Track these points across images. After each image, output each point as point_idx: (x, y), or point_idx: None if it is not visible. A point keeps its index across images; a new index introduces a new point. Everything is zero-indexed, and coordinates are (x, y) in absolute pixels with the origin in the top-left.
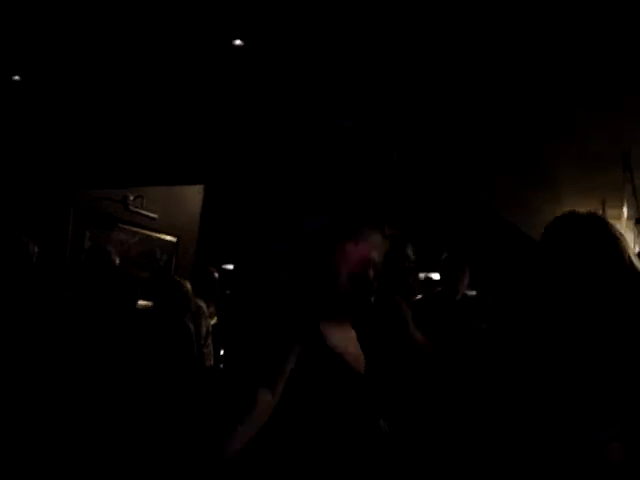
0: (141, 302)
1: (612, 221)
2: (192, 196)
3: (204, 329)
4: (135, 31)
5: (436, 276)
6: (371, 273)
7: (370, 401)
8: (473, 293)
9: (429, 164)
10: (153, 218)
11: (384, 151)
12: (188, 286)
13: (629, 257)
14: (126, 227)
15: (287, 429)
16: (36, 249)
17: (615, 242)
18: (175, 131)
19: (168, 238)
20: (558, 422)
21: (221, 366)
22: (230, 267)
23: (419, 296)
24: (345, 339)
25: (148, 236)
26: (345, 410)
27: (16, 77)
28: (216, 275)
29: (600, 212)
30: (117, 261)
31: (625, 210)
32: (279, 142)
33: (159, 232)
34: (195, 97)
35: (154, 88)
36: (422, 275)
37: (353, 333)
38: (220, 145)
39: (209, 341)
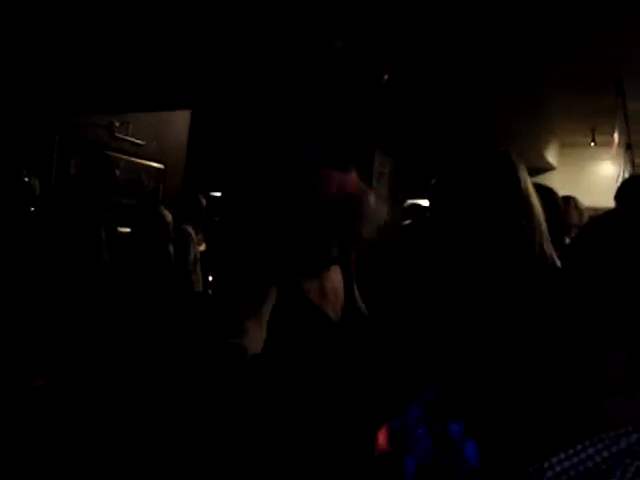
0: (122, 229)
1: (603, 148)
2: (179, 122)
3: (192, 255)
4: None
5: (425, 203)
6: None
7: (346, 348)
8: None
9: (421, 89)
10: (139, 145)
11: (374, 74)
12: (167, 213)
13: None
14: (112, 154)
15: (269, 376)
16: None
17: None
18: (161, 55)
19: (155, 165)
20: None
21: (209, 292)
22: (218, 194)
23: (408, 221)
24: (324, 285)
25: (134, 163)
26: (322, 357)
27: None
28: (204, 202)
29: (590, 141)
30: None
31: (616, 136)
32: (267, 65)
33: (146, 159)
34: (180, 19)
35: (140, 10)
36: (410, 202)
37: (337, 278)
38: (207, 69)
39: (197, 267)
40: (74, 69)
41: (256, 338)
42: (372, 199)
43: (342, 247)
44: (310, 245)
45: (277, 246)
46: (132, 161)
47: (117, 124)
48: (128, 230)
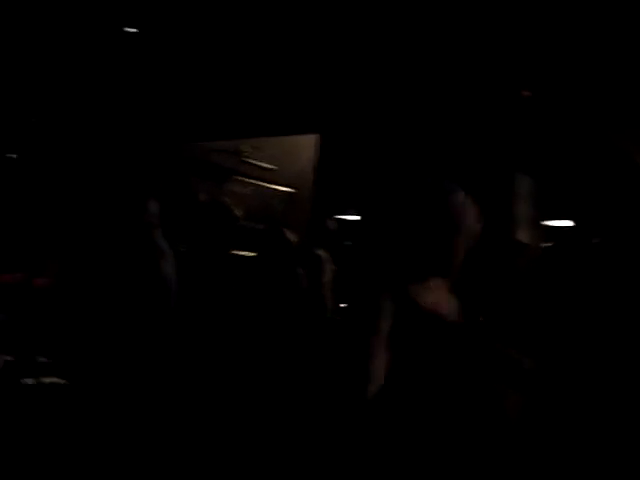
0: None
1: None
2: (307, 146)
3: (325, 279)
4: None
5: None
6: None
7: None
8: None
9: (566, 108)
10: (269, 169)
11: (514, 93)
12: (294, 237)
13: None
14: (241, 179)
15: (398, 390)
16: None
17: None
18: (289, 79)
19: (283, 189)
20: None
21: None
22: (346, 217)
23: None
24: (438, 299)
25: (263, 187)
26: (450, 363)
27: (130, 29)
28: (333, 226)
29: None
30: (238, 213)
31: None
32: (393, 88)
33: (274, 183)
34: (309, 43)
35: (268, 36)
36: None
37: (448, 294)
38: (335, 93)
39: (330, 293)
40: (203, 96)
41: (380, 355)
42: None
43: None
44: (422, 253)
45: (389, 256)
46: (261, 186)
47: (246, 149)
48: (254, 254)
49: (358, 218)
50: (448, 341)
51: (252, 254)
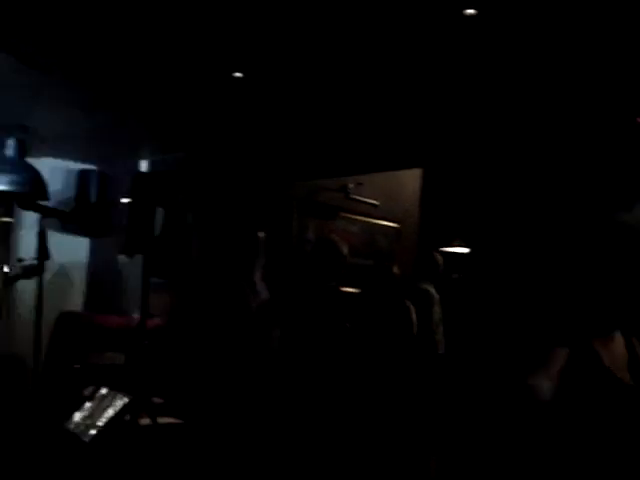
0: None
1: None
2: (411, 180)
3: (436, 315)
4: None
5: None
6: None
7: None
8: None
9: None
10: (374, 205)
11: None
12: (399, 273)
13: None
14: (347, 216)
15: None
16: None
17: None
18: (391, 116)
19: (389, 224)
20: None
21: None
22: (452, 250)
23: None
24: (614, 349)
25: (369, 223)
26: (617, 421)
27: (238, 74)
28: (440, 259)
29: None
30: (345, 250)
31: None
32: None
33: (380, 219)
34: (409, 78)
35: (368, 75)
36: None
37: (622, 349)
38: (437, 127)
39: (440, 327)
40: (307, 136)
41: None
42: None
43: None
44: (605, 305)
45: (571, 305)
46: (367, 222)
47: (351, 186)
48: (358, 290)
49: (465, 250)
50: (625, 405)
51: (359, 290)
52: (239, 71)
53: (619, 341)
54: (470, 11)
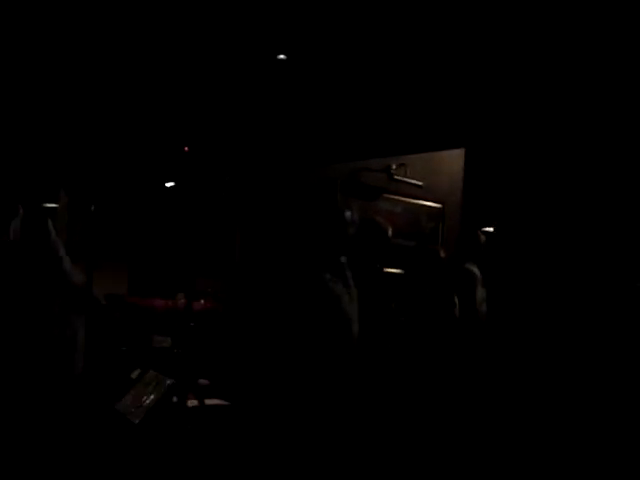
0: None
1: None
2: (454, 160)
3: (479, 296)
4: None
5: None
6: None
7: None
8: None
9: None
10: (418, 186)
11: None
12: (442, 252)
13: None
14: (391, 197)
15: None
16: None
17: None
18: (434, 96)
19: (433, 205)
20: None
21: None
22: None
23: None
24: None
25: (413, 204)
26: None
27: (281, 56)
28: (483, 238)
29: None
30: (389, 231)
31: None
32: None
33: (424, 199)
34: (449, 57)
35: (412, 56)
36: None
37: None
38: (480, 107)
39: (484, 306)
40: (351, 116)
41: None
42: None
43: None
44: None
45: None
46: (410, 202)
47: (394, 167)
48: (400, 271)
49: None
50: None
51: (402, 271)
52: (283, 53)
53: None
54: None
